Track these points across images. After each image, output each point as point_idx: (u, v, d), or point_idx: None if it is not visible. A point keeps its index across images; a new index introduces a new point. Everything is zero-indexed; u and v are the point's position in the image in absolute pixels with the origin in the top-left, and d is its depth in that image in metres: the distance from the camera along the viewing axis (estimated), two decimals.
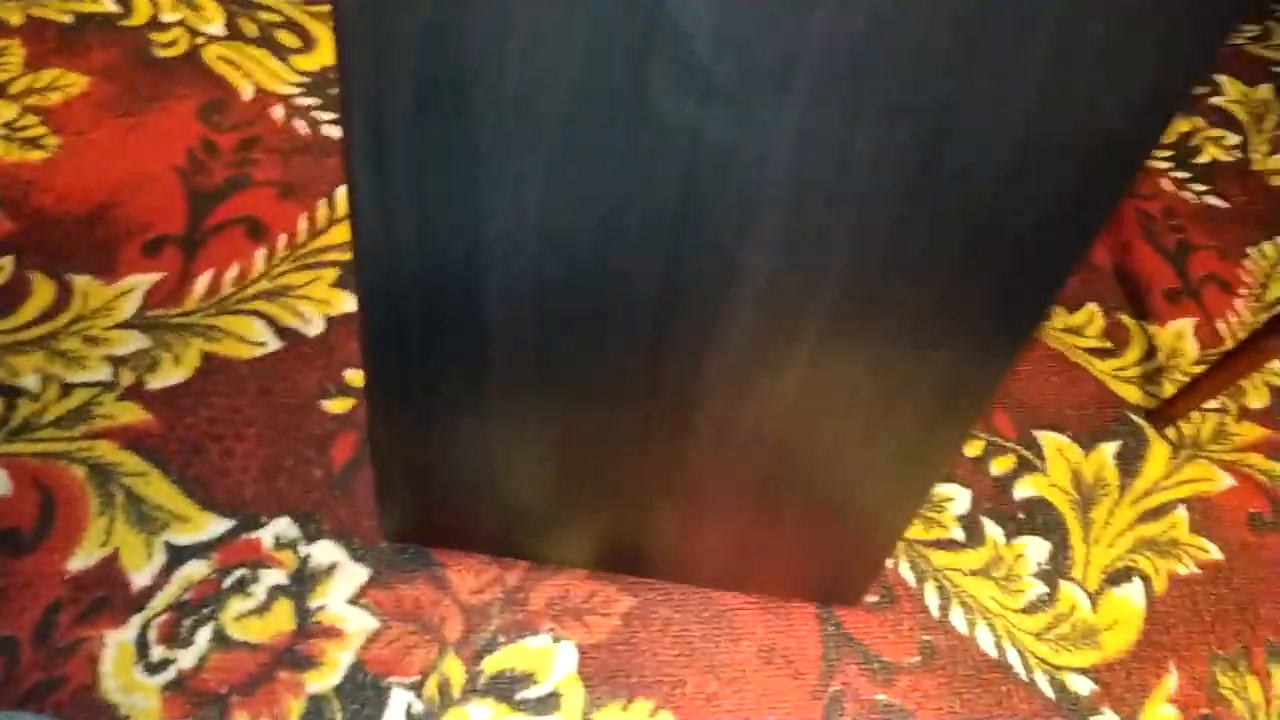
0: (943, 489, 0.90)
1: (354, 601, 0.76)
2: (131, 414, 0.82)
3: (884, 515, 0.71)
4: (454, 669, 0.74)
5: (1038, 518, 0.90)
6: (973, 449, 0.93)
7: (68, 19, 1.08)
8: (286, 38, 1.13)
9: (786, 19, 0.41)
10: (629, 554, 0.78)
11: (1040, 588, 0.86)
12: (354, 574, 0.78)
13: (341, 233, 0.97)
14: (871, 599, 0.82)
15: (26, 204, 0.93)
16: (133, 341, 0.86)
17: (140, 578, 0.75)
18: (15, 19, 1.07)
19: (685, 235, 0.51)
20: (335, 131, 1.05)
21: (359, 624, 0.75)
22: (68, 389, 0.82)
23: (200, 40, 1.10)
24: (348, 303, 0.92)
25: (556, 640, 0.77)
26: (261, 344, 0.88)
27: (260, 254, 0.94)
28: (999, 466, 0.93)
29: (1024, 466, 0.93)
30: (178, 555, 0.76)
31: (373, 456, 0.72)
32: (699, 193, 0.49)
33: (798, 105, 0.44)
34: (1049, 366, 1.00)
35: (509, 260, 0.55)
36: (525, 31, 0.43)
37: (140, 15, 1.10)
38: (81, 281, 0.89)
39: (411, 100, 0.47)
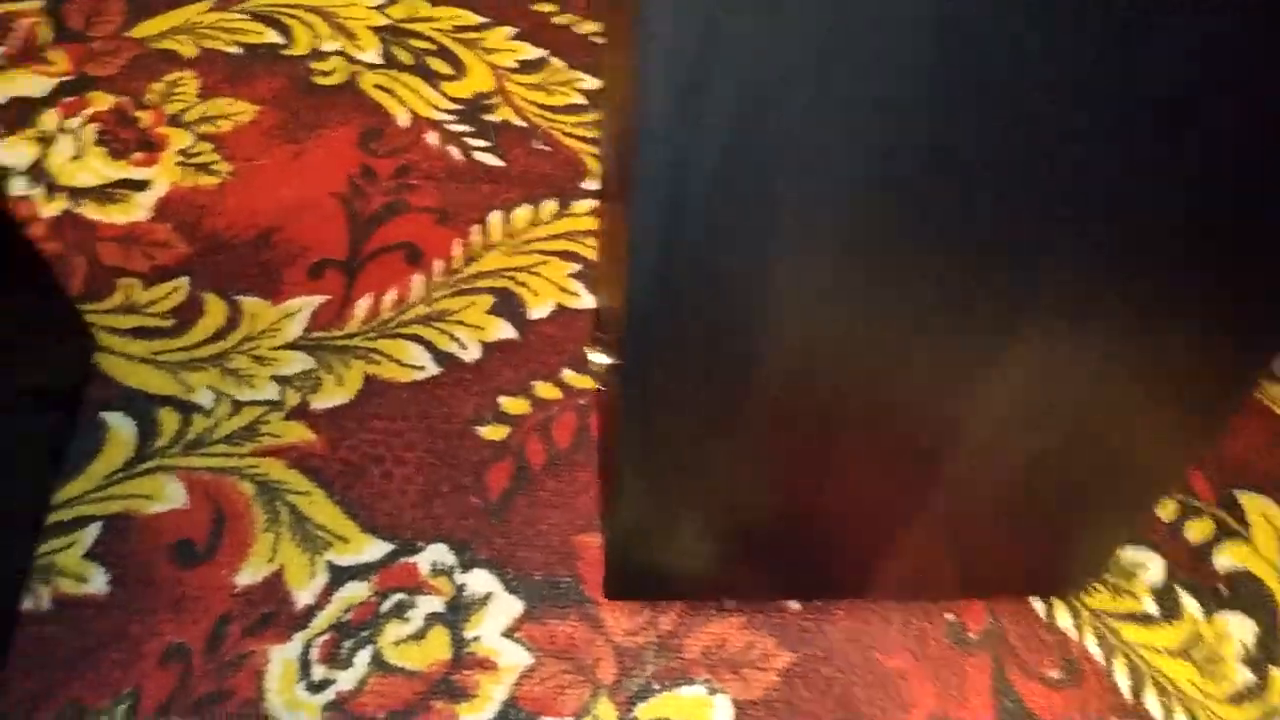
0: (1134, 553, 0.85)
1: (509, 635, 0.77)
2: (297, 433, 0.85)
3: (1130, 497, 0.69)
4: (607, 713, 0.74)
5: (1242, 591, 0.84)
6: (1166, 511, 0.88)
7: (236, 50, 1.14)
8: (439, 65, 1.16)
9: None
10: (826, 578, 0.77)
11: (1248, 674, 0.80)
12: (508, 606, 0.78)
13: (496, 259, 0.99)
14: (1054, 674, 0.78)
15: (200, 228, 0.98)
16: (298, 362, 0.89)
17: (303, 595, 0.77)
18: (189, 51, 1.13)
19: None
20: (487, 158, 1.07)
21: (513, 658, 0.76)
22: (238, 406, 0.86)
23: (358, 69, 1.14)
24: (502, 329, 0.94)
25: (712, 692, 0.76)
26: (420, 368, 0.90)
27: (418, 279, 0.96)
28: (1196, 532, 0.87)
29: (1225, 532, 0.87)
30: (339, 576, 0.78)
31: (609, 521, 0.71)
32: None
33: None
34: (1255, 421, 0.94)
35: (787, 334, 0.55)
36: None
37: (301, 45, 1.15)
38: (250, 303, 0.93)
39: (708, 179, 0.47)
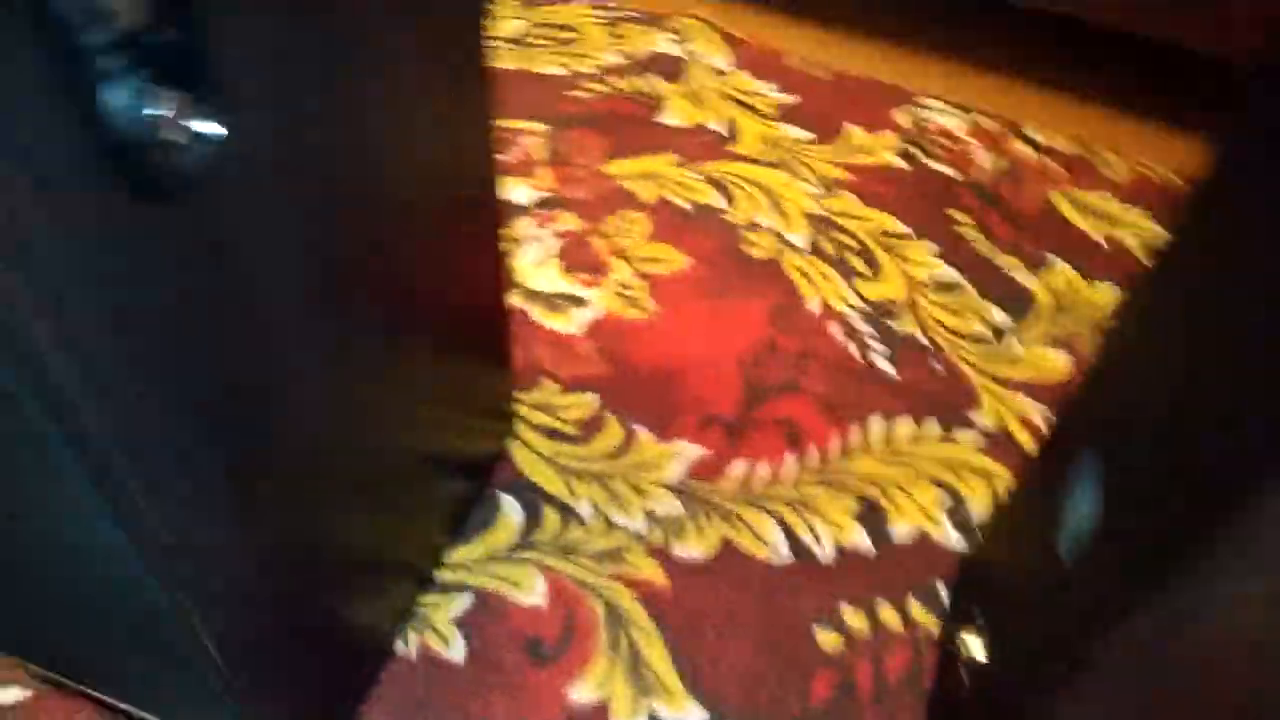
0: None
1: None
2: (652, 571, 0.91)
3: None
4: None
5: None
6: None
7: (686, 205, 1.27)
8: (857, 263, 1.23)
9: None
10: None
11: None
12: None
13: (869, 464, 1.01)
14: None
15: (619, 354, 1.09)
16: (669, 504, 0.96)
17: None
18: (648, 195, 1.28)
19: None
20: (883, 363, 1.11)
21: None
22: (610, 526, 0.93)
23: (784, 248, 1.23)
24: (859, 537, 0.95)
25: None
26: (774, 549, 0.94)
27: (791, 460, 1.01)
28: None
29: None
30: None
31: None
32: None
33: None
34: None
35: None
36: None
37: (740, 214, 1.27)
38: (643, 434, 1.01)
39: None
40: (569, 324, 1.12)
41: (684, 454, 1.00)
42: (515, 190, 1.27)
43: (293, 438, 0.57)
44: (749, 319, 1.15)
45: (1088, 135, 1.46)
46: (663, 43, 1.55)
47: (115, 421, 0.42)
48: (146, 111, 0.38)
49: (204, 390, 0.47)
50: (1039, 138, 1.43)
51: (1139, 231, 1.31)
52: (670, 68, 1.50)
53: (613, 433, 1.01)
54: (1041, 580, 0.66)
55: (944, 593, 0.93)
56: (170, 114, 0.39)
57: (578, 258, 1.19)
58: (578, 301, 1.14)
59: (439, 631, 0.85)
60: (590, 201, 1.26)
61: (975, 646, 0.73)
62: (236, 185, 0.44)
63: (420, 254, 0.67)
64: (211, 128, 0.42)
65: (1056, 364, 1.14)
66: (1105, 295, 1.22)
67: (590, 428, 1.02)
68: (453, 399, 0.83)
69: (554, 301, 1.14)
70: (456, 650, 0.84)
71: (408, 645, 0.84)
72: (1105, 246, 1.28)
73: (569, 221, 1.23)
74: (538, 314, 1.12)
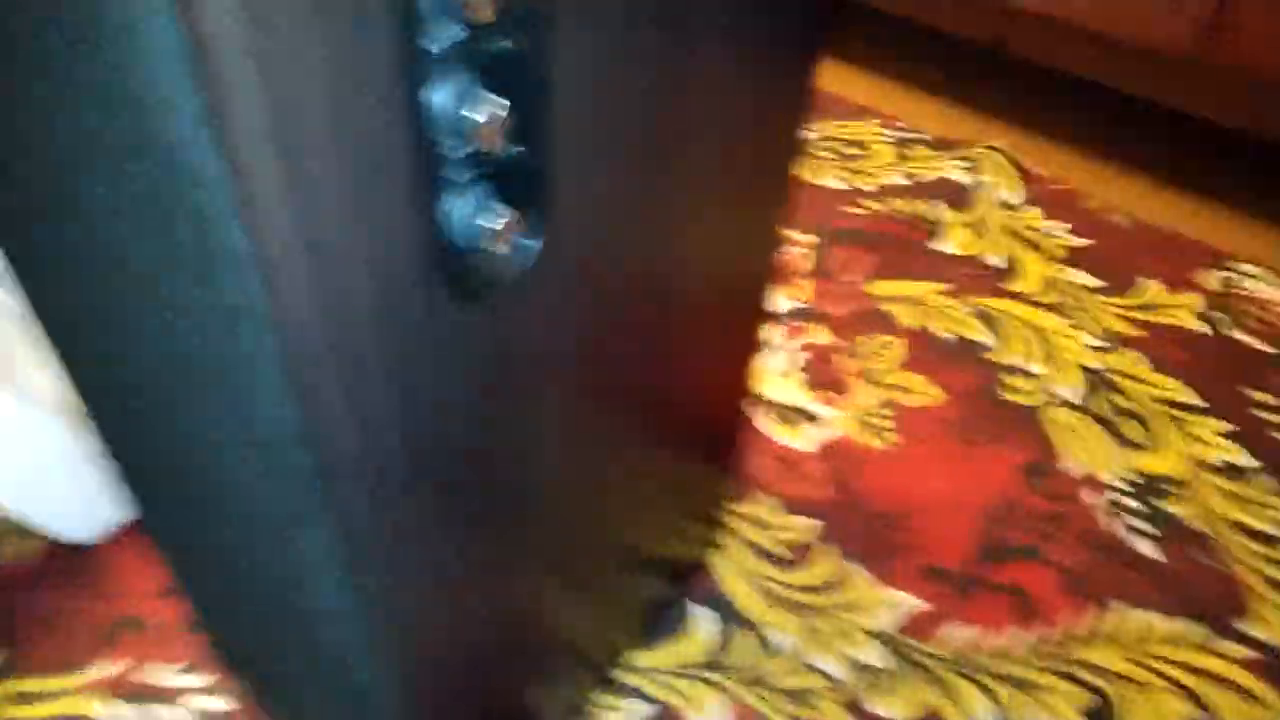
0: None
1: None
2: None
3: None
4: None
5: None
6: None
7: (948, 336, 1.22)
8: (1132, 430, 1.12)
9: None
10: None
11: None
12: None
13: (1104, 654, 0.91)
14: None
15: (850, 483, 1.05)
16: (874, 654, 0.90)
17: None
18: (908, 321, 1.24)
19: None
20: (1144, 545, 1.00)
21: None
22: (805, 666, 0.89)
23: (1049, 398, 1.15)
24: None
25: None
26: None
27: (1018, 632, 0.92)
28: None
29: None
30: None
31: None
32: None
33: None
34: None
35: None
36: None
37: (1009, 354, 1.20)
38: (858, 573, 0.97)
39: None
40: (801, 441, 1.10)
41: (902, 604, 0.94)
42: (779, 300, 1.27)
43: (531, 530, 0.60)
44: (997, 470, 1.07)
45: None
46: (952, 169, 1.51)
47: (381, 505, 0.46)
48: (481, 224, 0.41)
49: (466, 481, 0.50)
50: None
51: None
52: (956, 195, 1.46)
53: (826, 564, 0.98)
54: None
55: None
56: (501, 227, 0.42)
57: (823, 374, 1.17)
58: (814, 418, 1.12)
59: None
60: (846, 318, 1.24)
61: None
62: (540, 292, 0.48)
63: (680, 354, 0.69)
64: (533, 241, 0.45)
65: None
66: None
67: (803, 554, 0.98)
68: (671, 499, 0.83)
69: (790, 414, 1.12)
70: None
71: None
72: None
73: (820, 335, 1.22)
74: (770, 425, 1.11)
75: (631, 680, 0.88)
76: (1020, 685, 0.89)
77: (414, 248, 0.39)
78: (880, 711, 0.87)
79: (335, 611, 0.51)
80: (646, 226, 0.54)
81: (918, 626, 0.93)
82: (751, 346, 0.81)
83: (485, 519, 0.54)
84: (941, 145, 1.57)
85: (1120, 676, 0.90)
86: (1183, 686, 0.89)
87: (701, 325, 0.70)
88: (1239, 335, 1.24)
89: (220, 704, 0.86)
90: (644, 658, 0.90)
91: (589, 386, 0.57)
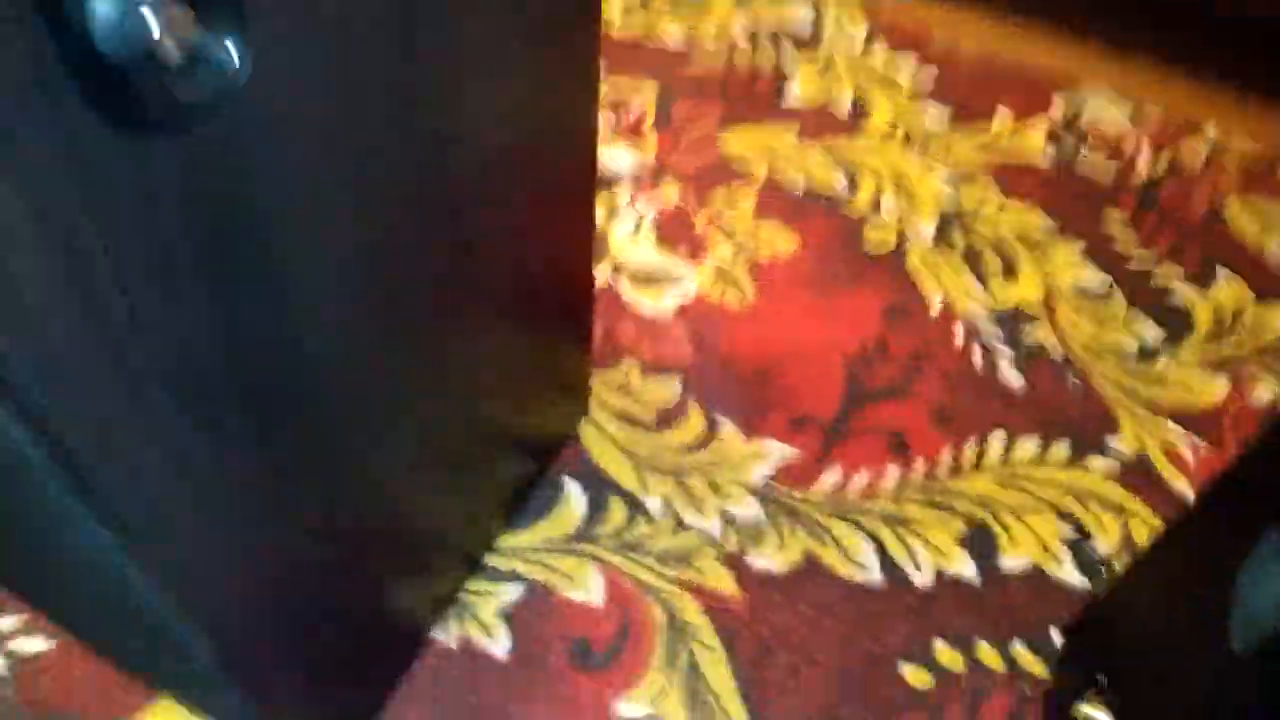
0: None
1: None
2: (723, 582, 0.82)
3: None
4: None
5: None
6: None
7: (800, 185, 1.18)
8: (991, 261, 1.11)
9: None
10: None
11: None
12: None
13: (983, 485, 0.90)
14: None
15: (711, 342, 1.00)
16: (750, 507, 0.87)
17: None
18: (759, 171, 1.19)
19: None
20: (1010, 374, 0.99)
21: None
22: (681, 526, 0.85)
23: (908, 240, 1.12)
24: (964, 565, 0.85)
25: None
26: (864, 569, 0.84)
27: (894, 471, 0.91)
28: None
29: None
30: None
31: None
32: None
33: None
34: None
35: None
36: None
37: (864, 200, 1.16)
38: (727, 429, 0.93)
39: None
40: (661, 302, 1.04)
41: (771, 454, 0.91)
42: (617, 155, 1.19)
43: (330, 403, 0.51)
44: (860, 314, 1.05)
45: (1274, 136, 1.29)
46: (795, 10, 1.45)
47: (98, 408, 0.36)
48: (134, 24, 0.31)
49: (211, 351, 0.41)
50: (1214, 134, 1.27)
51: None
52: (801, 37, 1.40)
53: (694, 424, 0.93)
54: (1202, 668, 0.55)
55: (1057, 638, 0.81)
56: (160, 30, 0.32)
57: (675, 232, 1.11)
58: (671, 279, 1.06)
59: (483, 623, 0.78)
60: (694, 173, 1.18)
61: (1099, 714, 0.63)
62: (262, 127, 0.38)
63: (497, 215, 0.60)
64: (226, 56, 0.35)
65: (1213, 390, 1.00)
66: (1278, 318, 1.07)
67: (670, 416, 0.94)
68: (524, 372, 0.76)
69: (645, 277, 1.06)
70: (500, 645, 0.77)
71: (448, 634, 0.78)
72: None
73: (670, 192, 1.15)
74: (626, 289, 1.05)
75: (502, 563, 0.82)
76: (898, 522, 0.88)
77: (45, 61, 0.29)
78: (761, 564, 0.84)
79: (102, 548, 0.42)
80: (409, 54, 0.45)
81: (792, 475, 0.90)
82: (586, 207, 0.74)
83: (264, 402, 0.45)
84: None
85: (995, 503, 0.90)
86: (1056, 506, 0.90)
87: (517, 185, 0.61)
88: (1089, 159, 1.24)
89: (36, 644, 0.76)
90: (515, 538, 0.84)
91: (371, 246, 0.48)
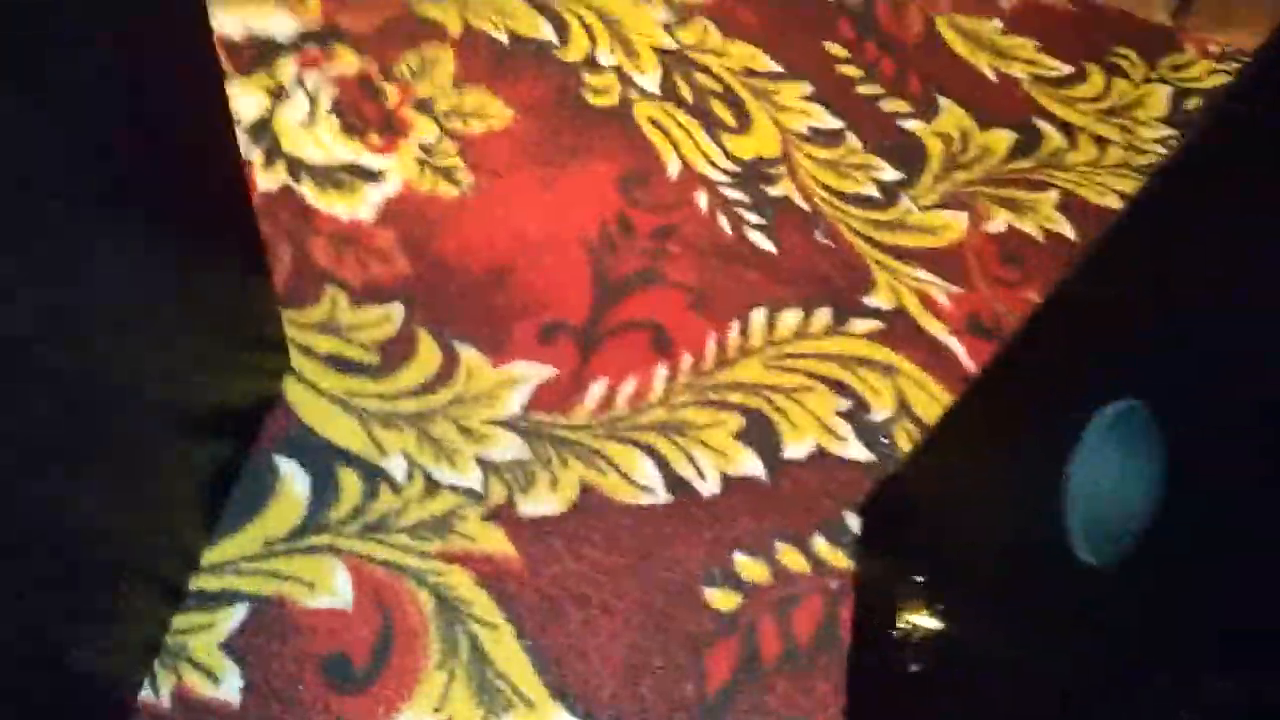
0: None
1: None
2: (494, 542, 0.70)
3: None
4: None
5: None
6: None
7: (503, 38, 1.00)
8: (722, 111, 1.01)
9: None
10: None
11: None
12: None
13: (753, 371, 0.83)
14: None
15: (429, 246, 0.84)
16: (511, 447, 0.75)
17: None
18: (454, 25, 1.00)
19: None
20: (760, 238, 0.92)
21: None
22: (434, 487, 0.72)
23: (632, 94, 1.00)
24: (749, 463, 0.78)
25: None
26: (648, 490, 0.75)
27: (662, 372, 0.81)
28: None
29: None
30: None
31: None
32: None
33: None
34: None
35: None
36: None
37: (577, 50, 1.02)
38: (469, 355, 0.79)
39: None
40: (358, 206, 0.85)
41: (525, 378, 0.79)
42: (273, 22, 0.96)
43: None
44: (595, 189, 0.92)
45: None
46: None
47: None
48: None
49: None
50: None
51: (1030, 65, 1.14)
52: None
53: (427, 356, 0.78)
54: (1039, 575, 0.50)
55: (854, 523, 0.78)
56: None
57: (363, 113, 0.91)
58: (367, 175, 0.87)
59: (201, 664, 0.62)
60: (376, 34, 0.97)
61: (921, 618, 0.58)
62: None
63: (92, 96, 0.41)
64: None
65: (953, 227, 0.98)
66: (1001, 142, 1.06)
67: (395, 352, 0.78)
68: (190, 323, 0.57)
69: (334, 176, 0.87)
70: (228, 687, 0.62)
71: (157, 691, 0.61)
72: (994, 80, 1.12)
73: (347, 63, 0.94)
74: (313, 194, 0.85)
75: (213, 583, 0.65)
76: (674, 430, 0.79)
77: None
78: (533, 510, 0.72)
79: None
80: None
81: (552, 398, 0.78)
82: (215, 90, 0.54)
83: None
84: None
85: (768, 388, 0.83)
86: (828, 378, 0.85)
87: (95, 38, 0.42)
88: None
89: None
90: (224, 548, 0.67)
91: None
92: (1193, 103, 1.14)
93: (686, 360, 0.83)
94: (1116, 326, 0.50)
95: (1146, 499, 0.46)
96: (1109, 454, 0.49)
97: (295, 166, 0.86)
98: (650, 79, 1.02)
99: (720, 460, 0.78)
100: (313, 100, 0.91)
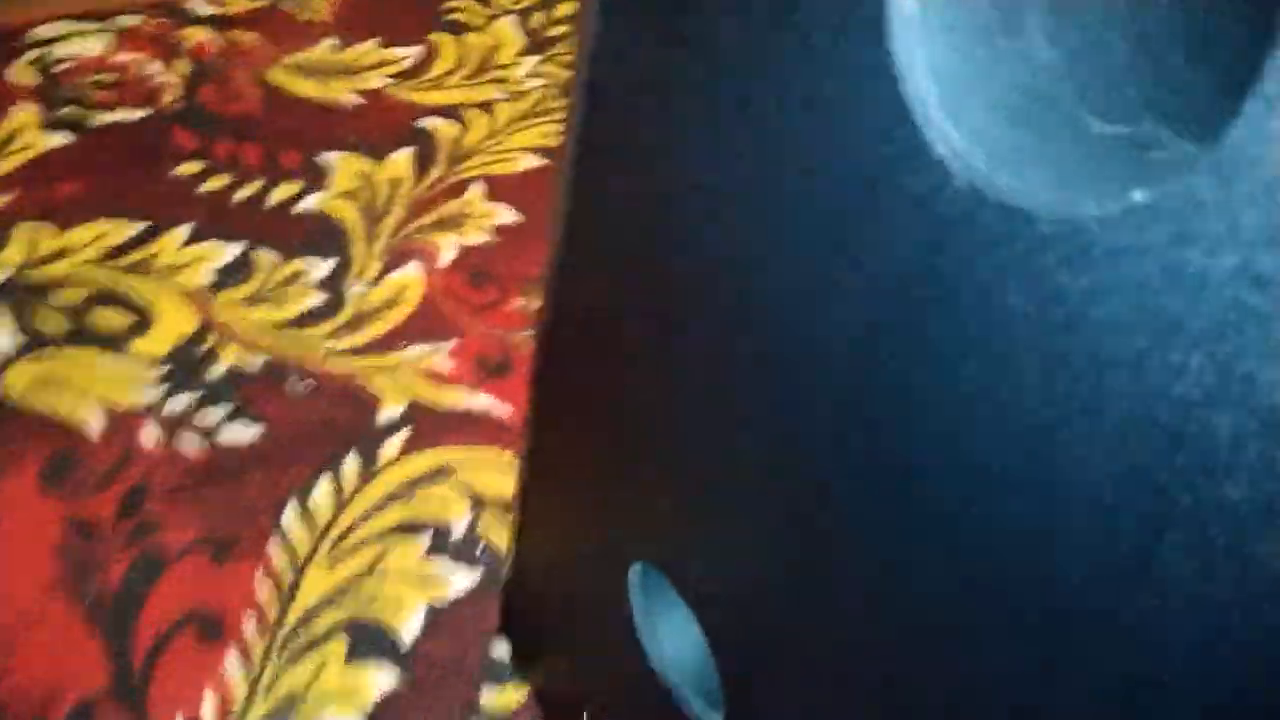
0: None
1: None
2: None
3: None
4: None
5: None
6: None
7: None
8: (117, 318, 0.86)
9: None
10: None
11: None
12: None
13: (322, 578, 0.75)
14: None
15: None
16: None
17: None
18: None
19: None
20: (238, 432, 0.82)
21: None
22: None
23: None
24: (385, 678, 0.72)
25: None
26: None
27: (232, 660, 0.71)
28: None
29: None
30: None
31: None
32: None
33: None
34: None
35: None
36: None
37: None
38: None
39: None
40: None
41: None
42: None
43: None
44: (21, 511, 0.76)
45: None
46: None
47: None
48: None
49: None
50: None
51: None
52: None
53: None
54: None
55: (504, 650, 0.74)
56: None
57: None
58: None
59: None
60: None
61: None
62: None
63: None
64: None
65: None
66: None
67: None
68: None
69: None
70: None
71: None
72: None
73: None
74: None
75: None
76: (282, 712, 0.70)
77: None
78: None
79: None
80: None
81: None
82: None
83: None
84: None
85: (354, 581, 0.76)
86: (396, 528, 0.79)
87: None
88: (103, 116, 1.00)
89: None
90: None
91: None
92: None
93: (249, 627, 0.73)
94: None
95: (698, 648, 0.46)
96: (654, 614, 0.48)
97: None
98: None
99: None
100: None
